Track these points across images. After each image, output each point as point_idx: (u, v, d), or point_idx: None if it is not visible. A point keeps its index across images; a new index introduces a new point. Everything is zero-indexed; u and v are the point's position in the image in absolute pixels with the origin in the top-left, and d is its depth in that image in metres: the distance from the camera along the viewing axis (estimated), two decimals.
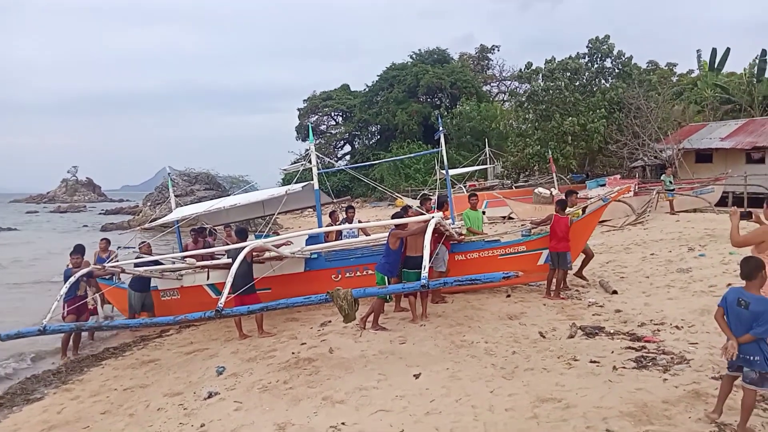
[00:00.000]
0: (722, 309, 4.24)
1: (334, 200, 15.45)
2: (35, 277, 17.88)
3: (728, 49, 35.49)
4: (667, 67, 42.75)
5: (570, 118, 27.80)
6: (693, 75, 39.15)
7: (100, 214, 62.44)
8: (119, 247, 11.76)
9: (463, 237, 9.98)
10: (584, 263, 10.15)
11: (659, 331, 6.76)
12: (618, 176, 24.38)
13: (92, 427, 5.86)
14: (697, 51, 37.63)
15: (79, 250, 9.50)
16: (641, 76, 30.17)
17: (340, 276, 9.70)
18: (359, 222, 12.01)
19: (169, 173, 16.03)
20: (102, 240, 11.84)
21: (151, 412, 5.98)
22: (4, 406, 6.98)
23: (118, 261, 10.11)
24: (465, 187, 28.81)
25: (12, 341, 8.15)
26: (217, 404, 5.83)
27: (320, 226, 10.40)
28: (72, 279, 8.67)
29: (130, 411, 6.16)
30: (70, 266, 9.23)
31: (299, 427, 4.89)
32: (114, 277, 10.60)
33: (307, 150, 9.88)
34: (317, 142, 51.67)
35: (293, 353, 7.20)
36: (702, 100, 32.49)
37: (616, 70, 30.63)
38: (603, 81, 31.14)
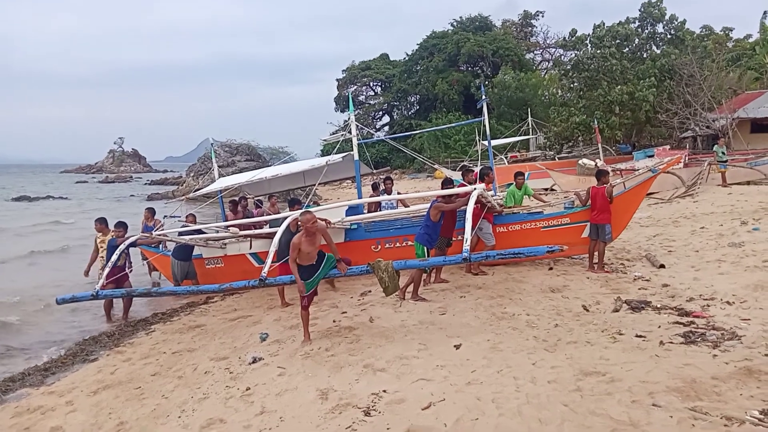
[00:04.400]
0: None
1: (373, 171, 15.41)
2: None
3: None
4: (722, 32, 40.53)
5: (618, 87, 26.80)
6: (751, 40, 37.00)
7: (145, 184, 64.27)
8: (165, 216, 12.10)
9: (502, 209, 9.80)
10: None
11: (709, 306, 6.54)
12: (667, 147, 23.53)
13: (143, 387, 6.10)
14: (764, 12, 35.42)
15: (121, 224, 9.79)
16: (694, 42, 28.72)
17: (379, 246, 9.74)
18: (398, 193, 11.96)
19: (212, 143, 16.22)
20: (146, 209, 12.28)
21: (199, 375, 6.19)
22: (66, 364, 7.35)
23: (163, 230, 10.40)
24: (506, 158, 28.33)
25: (67, 304, 8.65)
26: (262, 369, 5.98)
27: (360, 197, 10.41)
28: (122, 246, 8.96)
29: (178, 373, 6.38)
30: (115, 237, 9.54)
31: (341, 393, 4.97)
32: (161, 245, 10.95)
33: (346, 121, 9.82)
34: (356, 112, 51.47)
35: (334, 321, 7.31)
36: (761, 66, 30.76)
37: (668, 36, 29.24)
38: (654, 47, 29.80)
